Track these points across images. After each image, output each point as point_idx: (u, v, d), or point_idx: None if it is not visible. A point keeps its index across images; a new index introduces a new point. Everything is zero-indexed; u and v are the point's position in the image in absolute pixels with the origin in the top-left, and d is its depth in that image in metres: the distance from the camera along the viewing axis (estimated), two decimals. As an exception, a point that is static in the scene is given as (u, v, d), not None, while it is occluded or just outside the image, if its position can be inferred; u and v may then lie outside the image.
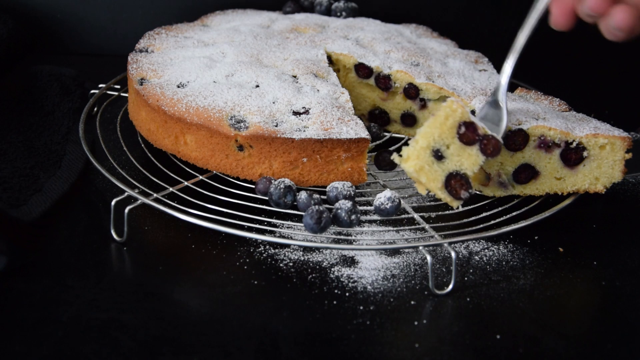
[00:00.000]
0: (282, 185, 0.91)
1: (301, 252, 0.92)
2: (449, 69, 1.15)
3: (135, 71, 1.08)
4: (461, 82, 1.11)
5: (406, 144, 1.15)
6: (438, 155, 0.87)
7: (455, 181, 0.88)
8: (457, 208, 0.90)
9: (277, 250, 0.92)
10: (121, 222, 0.91)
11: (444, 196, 0.88)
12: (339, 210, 0.88)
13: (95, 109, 1.16)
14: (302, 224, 0.89)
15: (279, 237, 0.92)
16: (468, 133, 0.87)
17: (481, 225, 0.92)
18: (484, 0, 1.53)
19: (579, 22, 0.93)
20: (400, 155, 0.87)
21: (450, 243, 0.87)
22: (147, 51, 1.14)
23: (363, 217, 0.94)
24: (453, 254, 0.85)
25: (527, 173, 0.96)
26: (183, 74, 1.05)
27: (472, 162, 0.88)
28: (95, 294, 0.83)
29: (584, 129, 0.96)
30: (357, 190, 0.99)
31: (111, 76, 1.24)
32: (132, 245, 0.91)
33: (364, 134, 0.96)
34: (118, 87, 1.22)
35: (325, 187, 0.97)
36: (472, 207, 0.97)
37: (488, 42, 1.37)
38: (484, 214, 0.95)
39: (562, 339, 0.80)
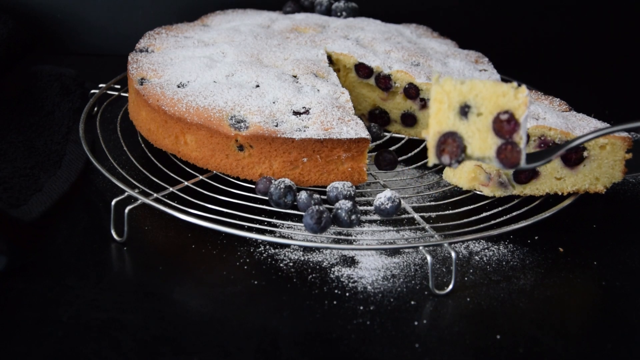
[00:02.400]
0: (282, 185, 0.91)
1: (301, 252, 0.92)
2: (449, 69, 1.15)
3: (135, 71, 1.08)
4: (461, 82, 1.11)
5: (406, 144, 1.15)
6: (464, 111, 0.80)
7: (451, 142, 0.81)
8: (431, 166, 0.83)
9: (277, 250, 0.92)
10: (121, 222, 0.91)
11: (430, 143, 0.81)
12: (339, 210, 0.88)
13: (96, 109, 1.16)
14: (302, 224, 0.89)
15: (279, 237, 0.92)
16: (505, 124, 0.79)
17: (481, 225, 0.92)
18: (484, 0, 1.53)
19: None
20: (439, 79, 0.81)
21: (450, 243, 0.87)
22: (147, 51, 1.14)
23: (363, 217, 0.94)
24: (453, 254, 0.85)
25: (527, 173, 0.96)
26: (183, 73, 1.05)
27: (480, 147, 0.81)
28: (96, 293, 0.83)
29: (584, 129, 0.96)
30: (357, 190, 0.99)
31: (111, 76, 1.24)
32: (132, 245, 0.92)
33: (364, 133, 0.96)
34: (118, 87, 1.22)
35: (325, 187, 0.97)
36: (472, 207, 0.97)
37: (488, 42, 1.37)
38: (484, 214, 0.95)
39: (562, 338, 0.80)
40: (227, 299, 0.83)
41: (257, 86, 1.03)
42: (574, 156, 0.95)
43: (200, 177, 1.00)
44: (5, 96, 1.19)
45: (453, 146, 0.80)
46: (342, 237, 0.93)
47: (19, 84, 1.21)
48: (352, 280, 0.87)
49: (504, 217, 0.94)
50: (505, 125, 0.79)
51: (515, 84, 0.79)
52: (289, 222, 0.94)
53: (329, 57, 1.17)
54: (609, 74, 1.53)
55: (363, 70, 1.15)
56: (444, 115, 0.81)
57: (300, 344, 0.77)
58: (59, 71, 1.22)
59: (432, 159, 0.81)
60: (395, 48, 1.17)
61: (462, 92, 0.79)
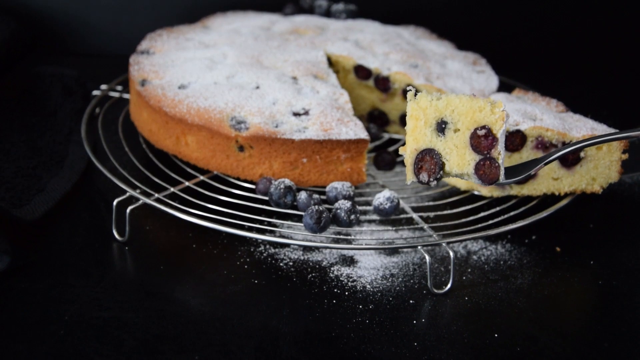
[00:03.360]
0: (282, 186, 0.92)
1: (301, 252, 0.92)
2: (447, 71, 1.16)
3: (136, 72, 1.08)
4: (460, 84, 1.12)
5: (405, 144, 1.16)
6: (440, 127, 0.79)
7: (429, 159, 0.80)
8: (407, 182, 0.82)
9: (277, 250, 0.92)
10: (123, 222, 0.92)
11: (407, 161, 0.80)
12: (339, 210, 0.89)
13: (97, 109, 1.17)
14: (302, 224, 0.90)
15: (279, 236, 0.93)
16: (482, 140, 0.79)
17: (479, 225, 0.93)
18: (483, 1, 1.54)
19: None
20: (415, 95, 0.80)
21: (448, 243, 0.87)
22: (148, 52, 1.15)
23: (362, 217, 0.95)
24: (451, 254, 0.86)
25: (525, 173, 0.97)
26: (184, 75, 1.06)
27: (459, 163, 0.80)
28: (97, 293, 0.83)
29: (581, 129, 0.96)
30: (356, 191, 1.00)
31: (113, 77, 1.24)
32: (133, 244, 0.92)
33: (363, 134, 0.97)
34: (120, 88, 1.22)
35: (324, 187, 0.98)
36: (470, 207, 0.98)
37: (486, 43, 1.38)
38: (482, 214, 0.96)
39: (560, 337, 0.81)
40: (227, 298, 0.84)
41: (257, 87, 1.03)
42: (570, 157, 0.96)
43: (201, 177, 1.01)
44: (8, 96, 1.19)
45: (431, 163, 0.80)
46: (342, 236, 0.94)
47: (22, 85, 1.22)
48: (351, 280, 0.88)
49: (502, 217, 0.95)
50: (482, 140, 0.78)
51: (492, 98, 0.79)
52: (289, 222, 0.94)
53: (329, 59, 1.17)
54: (606, 75, 1.54)
55: (362, 71, 1.16)
56: (420, 132, 0.80)
57: (300, 343, 0.78)
58: (61, 72, 1.23)
59: (410, 177, 0.80)
60: (394, 50, 1.18)
61: (438, 108, 0.79)
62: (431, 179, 0.80)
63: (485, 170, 0.79)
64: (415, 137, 0.80)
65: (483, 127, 0.78)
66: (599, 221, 1.03)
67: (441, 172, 0.80)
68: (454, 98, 0.79)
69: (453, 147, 0.80)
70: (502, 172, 0.79)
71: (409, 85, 1.13)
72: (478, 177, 0.79)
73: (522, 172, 0.83)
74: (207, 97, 1.00)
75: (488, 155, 0.79)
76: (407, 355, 0.77)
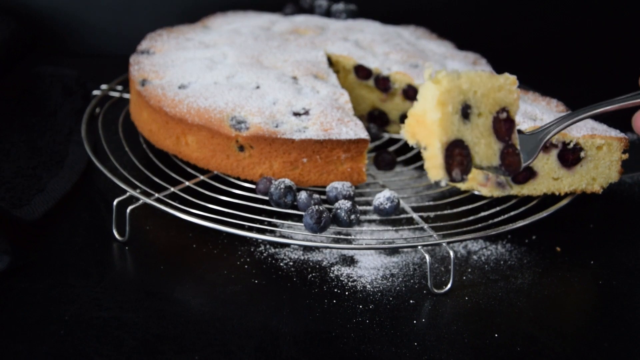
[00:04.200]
0: (282, 186, 0.92)
1: (301, 252, 0.92)
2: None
3: (137, 72, 1.08)
4: (460, 83, 1.12)
5: (404, 145, 1.16)
6: (465, 113, 0.68)
7: (460, 152, 0.68)
8: (437, 184, 0.72)
9: (277, 250, 0.92)
10: (123, 222, 0.92)
11: (435, 159, 0.68)
12: (339, 210, 0.89)
13: (98, 109, 1.17)
14: (302, 224, 0.90)
15: (279, 236, 0.93)
16: (503, 125, 0.70)
17: (479, 225, 0.93)
18: (483, 1, 1.54)
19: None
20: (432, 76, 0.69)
21: (448, 242, 0.87)
22: (148, 52, 1.15)
23: (362, 217, 0.95)
24: (451, 254, 0.86)
25: (524, 173, 0.97)
26: (184, 75, 1.06)
27: (487, 154, 0.70)
28: (97, 293, 0.83)
29: (581, 129, 0.96)
30: (356, 191, 1.00)
31: (113, 77, 1.24)
32: (133, 244, 0.92)
33: (364, 134, 0.97)
34: (120, 88, 1.22)
35: (325, 187, 0.98)
36: (470, 207, 0.98)
37: (486, 43, 1.38)
38: (482, 214, 0.96)
39: (559, 337, 0.81)
40: (227, 298, 0.84)
41: (258, 87, 1.03)
42: (571, 157, 0.96)
43: (201, 177, 1.01)
44: (8, 96, 1.19)
45: (462, 157, 0.68)
46: (342, 236, 0.94)
47: (22, 85, 1.22)
48: (351, 280, 0.88)
49: (502, 217, 0.95)
50: (503, 125, 0.70)
51: (507, 74, 0.71)
52: (289, 222, 0.95)
53: (329, 59, 1.17)
54: (606, 75, 1.54)
55: (362, 71, 1.16)
56: (448, 121, 0.68)
57: (300, 343, 0.78)
58: (61, 72, 1.23)
59: (438, 174, 0.68)
60: (394, 49, 1.18)
61: (462, 89, 0.68)
62: (464, 176, 0.69)
63: (510, 159, 0.71)
64: (445, 127, 0.67)
65: (504, 110, 0.70)
66: (599, 221, 1.03)
67: (470, 165, 0.69)
68: (475, 76, 0.68)
69: (479, 135, 0.69)
70: (522, 158, 0.71)
71: (408, 85, 1.13)
72: (505, 167, 0.70)
73: (532, 151, 0.74)
74: (207, 97, 1.00)
75: (509, 142, 0.70)
76: (407, 355, 0.77)
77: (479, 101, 0.69)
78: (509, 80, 0.70)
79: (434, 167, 0.68)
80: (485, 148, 0.70)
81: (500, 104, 0.70)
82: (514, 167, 0.71)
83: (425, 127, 0.68)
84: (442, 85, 0.67)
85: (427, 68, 0.69)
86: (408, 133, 0.70)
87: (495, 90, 0.70)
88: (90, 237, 0.93)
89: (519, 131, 0.75)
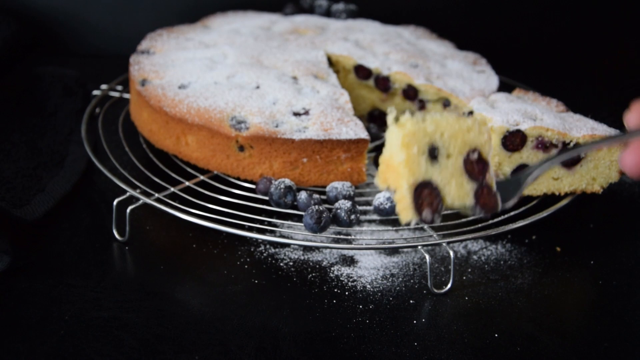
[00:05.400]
0: (282, 186, 0.92)
1: (301, 252, 0.92)
2: (447, 70, 1.16)
3: (137, 72, 1.09)
4: (460, 84, 1.12)
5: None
6: (433, 154, 0.70)
7: (429, 193, 0.70)
8: (405, 224, 0.71)
9: (277, 250, 0.92)
10: (123, 222, 0.92)
11: (404, 200, 0.69)
12: (339, 210, 0.89)
13: (98, 109, 1.17)
14: (302, 224, 0.90)
15: (279, 236, 0.93)
16: (476, 165, 0.71)
17: (479, 225, 0.93)
18: (483, 1, 1.54)
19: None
20: (397, 119, 0.69)
21: (448, 242, 0.87)
22: (148, 52, 1.15)
23: (362, 217, 0.95)
24: (451, 254, 0.86)
25: (524, 173, 0.97)
26: (184, 75, 1.06)
27: (458, 194, 0.71)
28: (98, 293, 0.83)
29: (581, 129, 0.96)
30: (356, 190, 1.00)
31: (113, 77, 1.25)
32: (133, 244, 0.92)
33: (364, 134, 0.97)
34: (120, 88, 1.22)
35: (325, 187, 0.98)
36: (470, 207, 0.98)
37: (486, 43, 1.38)
38: (482, 214, 0.96)
39: (559, 337, 0.81)
40: (227, 298, 0.84)
41: (258, 87, 1.04)
42: (571, 157, 0.96)
43: (201, 177, 1.01)
44: (8, 97, 1.19)
45: (432, 198, 0.69)
46: (342, 236, 0.94)
47: (22, 85, 1.22)
48: (351, 280, 0.88)
49: (502, 217, 0.95)
50: (475, 166, 0.71)
51: (475, 116, 0.72)
52: (289, 222, 0.95)
53: (329, 59, 1.17)
54: (606, 75, 1.54)
55: (362, 71, 1.16)
56: (414, 162, 0.69)
57: (300, 343, 0.78)
58: (61, 72, 1.23)
59: (408, 216, 0.69)
60: (394, 49, 1.18)
61: (427, 131, 0.69)
62: (435, 216, 0.70)
63: (485, 199, 0.72)
64: (411, 169, 0.69)
65: (474, 150, 0.71)
66: (599, 221, 1.03)
67: (442, 206, 0.70)
68: (441, 119, 0.70)
69: (449, 176, 0.71)
70: (499, 199, 0.72)
71: (408, 85, 1.13)
72: (481, 207, 0.72)
73: (513, 192, 0.74)
74: (207, 97, 1.00)
75: (484, 182, 0.72)
76: (407, 355, 0.77)
77: (447, 142, 0.70)
78: (479, 122, 0.71)
79: (404, 208, 0.69)
80: (456, 188, 0.71)
81: (470, 145, 0.71)
82: (490, 207, 0.72)
83: (394, 170, 0.70)
84: (406, 128, 0.68)
85: (390, 113, 0.70)
86: (380, 179, 0.71)
87: (463, 132, 0.71)
88: (91, 237, 0.93)
89: (527, 170, 0.75)
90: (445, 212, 0.97)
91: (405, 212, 0.69)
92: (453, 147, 0.71)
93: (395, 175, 0.70)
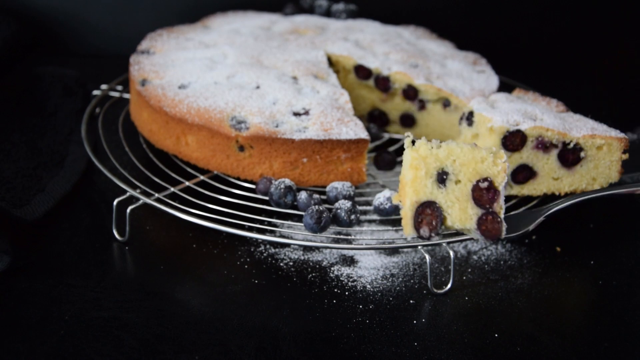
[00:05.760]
0: (282, 186, 0.92)
1: (301, 252, 0.92)
2: (447, 70, 1.16)
3: (137, 72, 1.09)
4: (460, 84, 1.12)
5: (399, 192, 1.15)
6: (442, 178, 0.77)
7: (430, 212, 0.77)
8: (406, 237, 0.81)
9: (277, 250, 0.92)
10: (123, 222, 0.92)
11: (406, 217, 0.78)
12: (339, 210, 0.89)
13: (98, 109, 1.17)
14: (302, 224, 0.90)
15: (279, 236, 0.93)
16: (485, 193, 0.76)
17: (479, 225, 0.93)
18: (483, 1, 1.54)
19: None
20: (414, 142, 0.78)
21: (448, 242, 0.87)
22: (148, 52, 1.15)
23: (362, 217, 0.95)
24: (451, 254, 0.86)
25: (525, 173, 0.97)
26: (184, 75, 1.06)
27: (460, 218, 0.78)
28: (98, 292, 0.83)
29: (581, 129, 0.96)
30: (356, 191, 1.00)
31: (113, 77, 1.25)
32: (133, 244, 0.92)
33: (364, 134, 0.97)
34: (120, 88, 1.22)
35: (325, 187, 0.98)
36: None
37: (486, 43, 1.38)
38: (482, 214, 0.96)
39: (559, 337, 0.81)
40: (227, 298, 0.84)
41: (258, 87, 1.04)
42: (571, 157, 0.96)
43: (201, 177, 1.01)
44: (8, 97, 1.19)
45: (432, 217, 0.77)
46: (342, 236, 0.94)
47: (22, 85, 1.22)
48: (351, 280, 0.88)
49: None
50: (484, 193, 0.76)
51: (493, 148, 0.77)
52: (289, 222, 0.95)
53: (329, 59, 1.17)
54: (606, 75, 1.54)
55: (362, 71, 1.16)
56: (420, 183, 0.77)
57: (300, 343, 0.78)
58: (61, 72, 1.23)
59: (408, 231, 0.77)
60: (394, 49, 1.18)
61: (439, 157, 0.76)
62: (432, 234, 0.77)
63: (488, 225, 0.77)
64: (416, 189, 0.77)
65: (485, 180, 0.76)
66: (599, 221, 1.03)
67: (442, 227, 0.77)
68: (455, 147, 0.76)
69: (455, 199, 0.77)
70: (504, 227, 0.77)
71: (408, 85, 1.13)
72: (481, 232, 0.77)
73: (519, 227, 0.81)
74: (207, 97, 1.00)
75: (490, 210, 0.76)
76: (407, 355, 0.77)
77: (457, 169, 0.77)
78: (495, 153, 0.76)
79: (405, 223, 0.78)
80: (459, 212, 0.77)
81: (481, 174, 0.76)
82: (493, 234, 0.78)
83: (403, 188, 0.79)
84: (418, 152, 0.77)
85: (406, 137, 0.78)
86: (397, 195, 0.80)
87: (476, 161, 0.77)
88: (91, 237, 0.93)
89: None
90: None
91: (406, 227, 0.78)
92: (463, 174, 0.77)
93: (404, 192, 0.78)
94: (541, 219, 0.83)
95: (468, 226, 0.77)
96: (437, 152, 0.77)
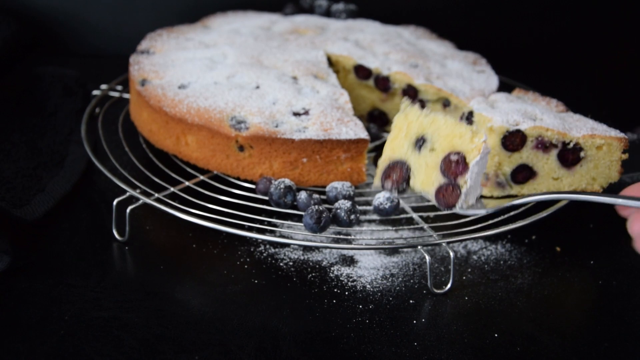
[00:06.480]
0: (282, 186, 0.92)
1: (301, 252, 0.92)
2: (447, 70, 1.16)
3: (136, 72, 1.09)
4: (460, 83, 1.12)
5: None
6: (419, 144, 0.83)
7: (397, 170, 0.84)
8: (373, 186, 0.88)
9: (277, 250, 0.93)
10: (123, 222, 0.92)
11: (379, 167, 0.86)
12: (339, 210, 0.89)
13: (98, 109, 1.17)
14: (302, 224, 0.90)
15: (279, 236, 0.93)
16: (453, 165, 0.81)
17: (479, 225, 0.92)
18: (483, 1, 1.54)
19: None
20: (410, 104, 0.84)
21: (448, 242, 0.87)
22: (148, 52, 1.15)
23: (362, 217, 0.95)
24: (451, 254, 0.86)
25: (524, 173, 0.97)
26: (184, 75, 1.06)
27: (423, 181, 0.83)
28: (98, 293, 0.83)
29: (581, 129, 0.96)
30: (356, 190, 1.00)
31: (113, 77, 1.25)
32: (133, 244, 0.92)
33: (363, 134, 0.97)
34: (120, 88, 1.22)
35: (324, 187, 0.98)
36: (470, 207, 0.98)
37: (486, 43, 1.38)
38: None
39: (559, 337, 0.81)
40: (227, 298, 0.84)
41: (258, 87, 1.04)
42: (570, 157, 0.96)
43: (201, 177, 1.01)
44: (8, 97, 1.19)
45: (399, 175, 0.84)
46: (342, 236, 0.94)
47: (22, 85, 1.22)
48: (351, 280, 0.88)
49: (502, 217, 0.95)
50: (453, 165, 0.81)
51: (474, 127, 0.82)
52: (289, 222, 0.95)
53: (329, 59, 1.17)
54: (606, 75, 1.54)
55: (362, 71, 1.16)
56: (399, 143, 0.84)
57: (300, 343, 0.78)
58: (61, 72, 1.23)
59: (376, 182, 0.85)
60: (394, 49, 1.18)
61: (423, 124, 0.82)
62: (393, 189, 0.84)
63: (445, 194, 0.82)
64: (393, 147, 0.84)
65: (457, 153, 0.81)
66: (598, 221, 1.03)
67: (405, 185, 0.84)
68: (440, 119, 0.82)
69: (424, 164, 0.82)
70: (461, 200, 0.81)
71: (408, 85, 1.13)
72: (436, 199, 0.83)
73: (478, 207, 0.85)
74: (207, 97, 1.00)
75: (453, 181, 0.81)
76: (407, 355, 0.77)
77: (436, 139, 0.82)
78: (474, 132, 0.80)
79: (376, 175, 0.86)
80: (424, 176, 0.83)
81: (455, 148, 0.81)
82: (447, 203, 0.83)
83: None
84: (407, 116, 0.83)
85: (403, 102, 0.84)
86: (378, 179, 0.87)
87: (455, 136, 0.81)
88: (91, 237, 0.93)
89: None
90: (446, 213, 0.98)
91: (376, 178, 0.86)
92: (439, 144, 0.82)
93: (388, 145, 0.85)
94: (505, 205, 0.86)
95: (427, 190, 0.83)
96: (422, 120, 0.82)
